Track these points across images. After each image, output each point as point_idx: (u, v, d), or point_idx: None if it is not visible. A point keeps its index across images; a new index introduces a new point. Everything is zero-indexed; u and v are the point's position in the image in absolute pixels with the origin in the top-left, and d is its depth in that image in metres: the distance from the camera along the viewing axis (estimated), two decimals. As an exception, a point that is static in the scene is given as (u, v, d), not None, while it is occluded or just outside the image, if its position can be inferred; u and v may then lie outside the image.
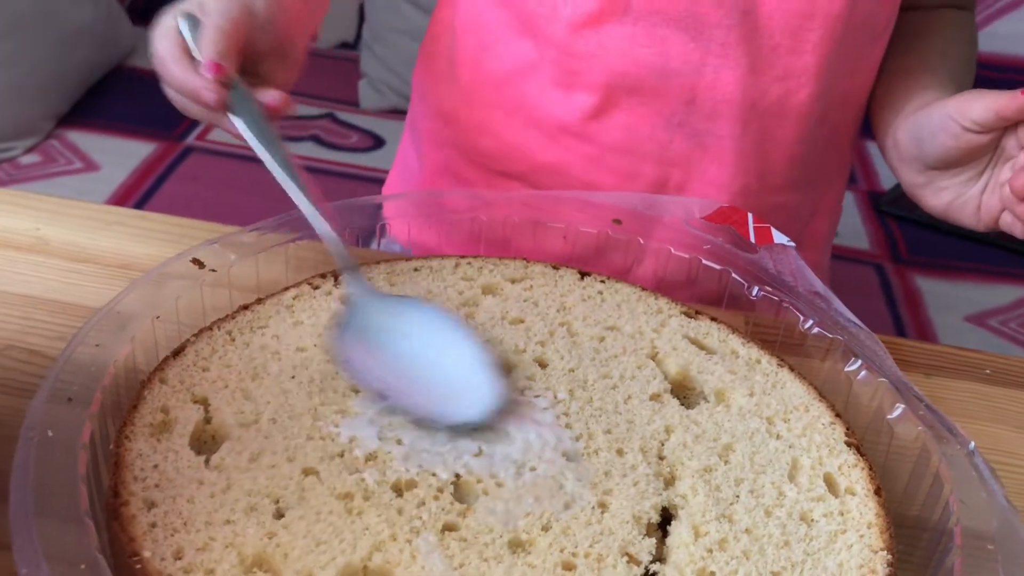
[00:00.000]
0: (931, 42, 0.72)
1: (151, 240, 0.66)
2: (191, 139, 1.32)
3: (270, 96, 0.56)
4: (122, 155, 1.25)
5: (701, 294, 0.59)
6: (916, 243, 1.18)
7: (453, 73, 0.75)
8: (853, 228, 1.24)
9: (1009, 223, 0.58)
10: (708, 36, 0.65)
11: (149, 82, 1.55)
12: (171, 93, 0.58)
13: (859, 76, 0.71)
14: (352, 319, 0.50)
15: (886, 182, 1.35)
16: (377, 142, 1.34)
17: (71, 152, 1.26)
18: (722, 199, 0.70)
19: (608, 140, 0.69)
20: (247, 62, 0.58)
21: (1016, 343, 1.06)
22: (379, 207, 0.60)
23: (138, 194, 1.19)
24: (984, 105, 0.57)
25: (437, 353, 0.49)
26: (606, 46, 0.67)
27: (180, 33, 0.56)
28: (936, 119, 0.60)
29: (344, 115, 1.43)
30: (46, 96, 1.29)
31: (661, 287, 0.59)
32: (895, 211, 1.28)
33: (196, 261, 0.53)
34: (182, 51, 0.56)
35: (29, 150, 1.25)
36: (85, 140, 1.29)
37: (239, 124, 0.55)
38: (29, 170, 1.21)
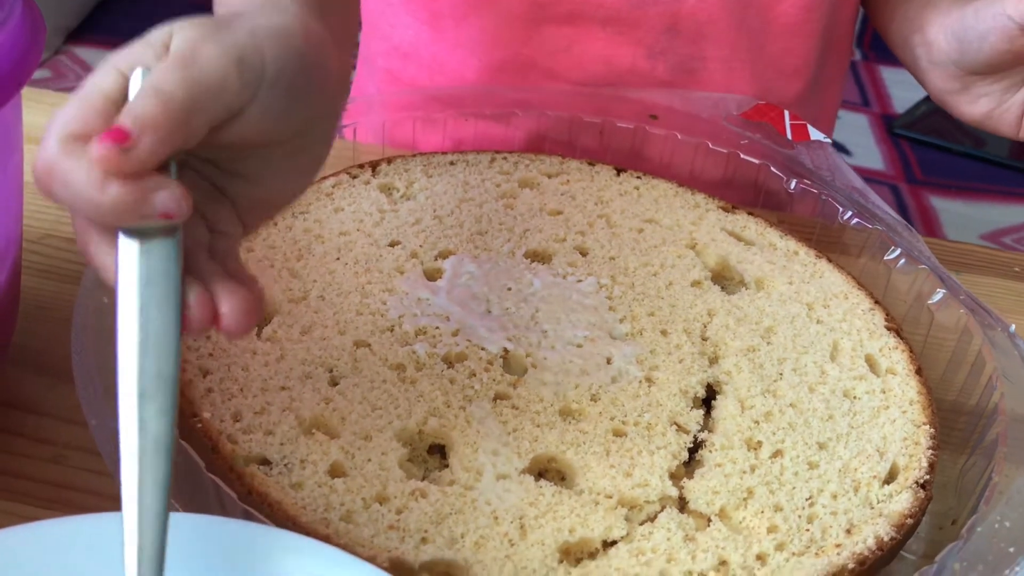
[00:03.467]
0: None
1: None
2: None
3: (224, 301, 0.31)
4: (133, 71, 1.24)
5: (738, 189, 0.59)
6: (930, 164, 1.18)
7: (411, 9, 0.69)
8: (867, 150, 1.23)
9: None
10: None
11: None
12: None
13: None
14: None
15: (899, 106, 1.34)
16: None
17: (81, 68, 1.24)
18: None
19: (584, 76, 0.65)
20: (224, 138, 0.32)
21: (1031, 262, 1.07)
22: (415, 97, 0.60)
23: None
24: None
25: None
26: None
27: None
28: (986, 18, 0.55)
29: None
30: (54, 10, 1.28)
31: (698, 183, 0.59)
32: (909, 134, 1.28)
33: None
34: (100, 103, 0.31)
35: (40, 65, 1.24)
36: (96, 57, 1.28)
37: (121, 251, 0.30)
38: (40, 84, 1.20)
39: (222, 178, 0.34)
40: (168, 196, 0.30)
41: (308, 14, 0.37)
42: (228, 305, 0.31)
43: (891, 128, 1.28)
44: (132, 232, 0.30)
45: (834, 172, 0.57)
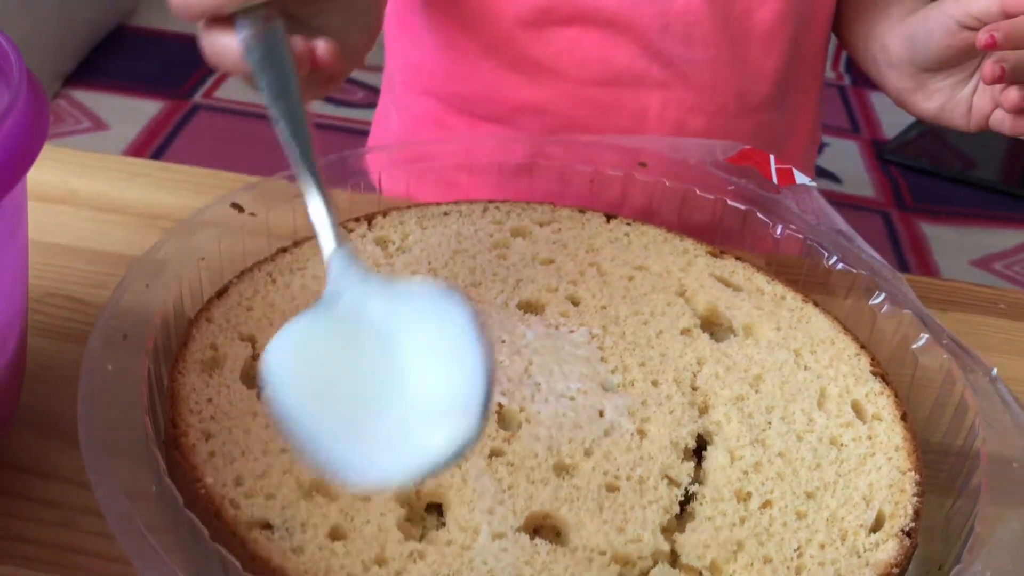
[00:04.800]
0: None
1: (178, 190, 0.67)
2: (198, 96, 1.32)
3: (319, 46, 0.44)
4: (130, 113, 1.26)
5: (725, 235, 0.60)
6: (920, 190, 1.20)
7: (424, 22, 0.75)
8: (858, 177, 1.25)
9: (999, 120, 0.61)
10: None
11: (152, 40, 1.56)
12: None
13: None
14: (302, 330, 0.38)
15: (889, 131, 1.36)
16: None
17: (79, 112, 1.26)
18: (700, 121, 0.73)
19: (586, 74, 0.71)
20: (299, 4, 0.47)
21: (1022, 284, 1.08)
22: (409, 151, 0.61)
23: (148, 153, 1.19)
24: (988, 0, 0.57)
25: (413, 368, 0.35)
26: None
27: None
28: (932, 19, 0.62)
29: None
30: (52, 55, 1.29)
31: (686, 228, 0.60)
32: (899, 159, 1.29)
33: (236, 206, 0.55)
34: None
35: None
36: (93, 99, 1.29)
37: (242, 33, 0.43)
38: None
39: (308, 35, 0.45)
40: None
41: None
42: (323, 46, 0.44)
43: (881, 154, 1.30)
44: (247, 20, 0.43)
45: (819, 216, 0.58)
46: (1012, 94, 0.58)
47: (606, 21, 0.69)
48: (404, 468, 0.33)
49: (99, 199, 0.65)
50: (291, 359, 0.36)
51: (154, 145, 1.20)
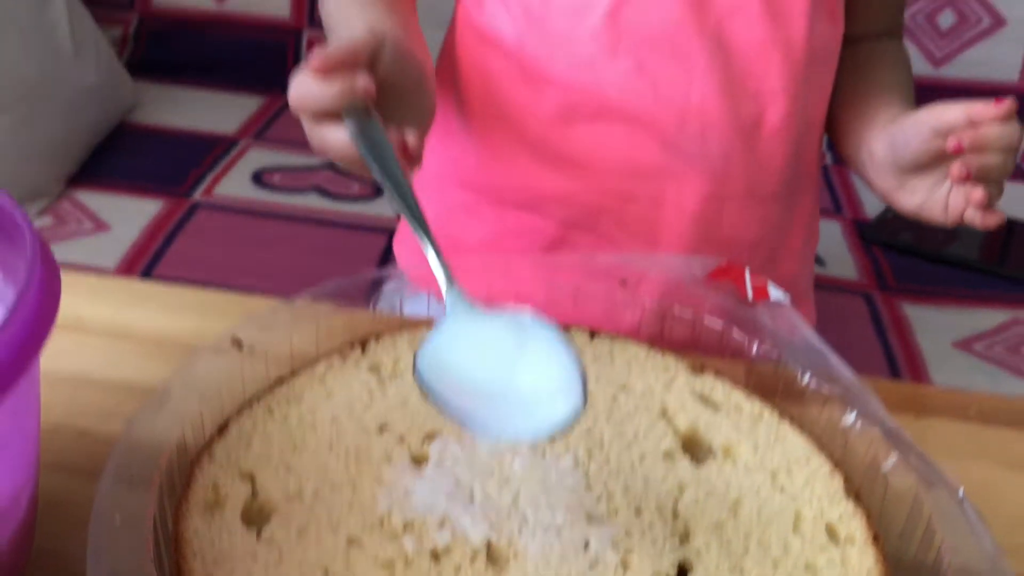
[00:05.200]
0: (882, 68, 0.84)
1: (183, 313, 0.70)
2: (197, 195, 1.36)
3: (409, 138, 0.56)
4: (131, 214, 1.29)
5: (705, 349, 0.63)
6: (902, 270, 1.23)
7: (462, 122, 0.82)
8: (840, 258, 1.28)
9: (971, 216, 0.68)
10: (691, 63, 0.74)
11: (152, 137, 1.60)
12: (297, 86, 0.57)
13: (820, 95, 0.81)
14: (438, 342, 0.50)
15: (871, 211, 1.40)
16: (378, 189, 1.38)
17: (81, 213, 1.29)
18: (712, 211, 0.79)
19: (609, 166, 0.77)
20: (381, 101, 0.58)
21: (1003, 367, 1.10)
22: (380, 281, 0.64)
23: (149, 253, 1.22)
24: (958, 110, 0.66)
25: (516, 369, 0.49)
26: (602, 80, 0.75)
27: None
28: (910, 127, 0.69)
29: (344, 163, 1.47)
30: (56, 158, 1.33)
31: (667, 343, 0.63)
32: (880, 236, 1.33)
33: (236, 341, 0.57)
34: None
35: (42, 212, 1.29)
36: (94, 200, 1.33)
37: (349, 126, 0.56)
38: (42, 234, 1.25)
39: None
40: (364, 79, 0.55)
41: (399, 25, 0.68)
42: (411, 136, 0.56)
43: (862, 233, 1.33)
44: (350, 112, 0.56)
45: (793, 332, 0.61)
46: (977, 193, 0.66)
47: (628, 118, 0.75)
48: (532, 430, 0.46)
49: (107, 326, 0.68)
50: (436, 359, 0.49)
51: (154, 246, 1.23)
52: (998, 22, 1.58)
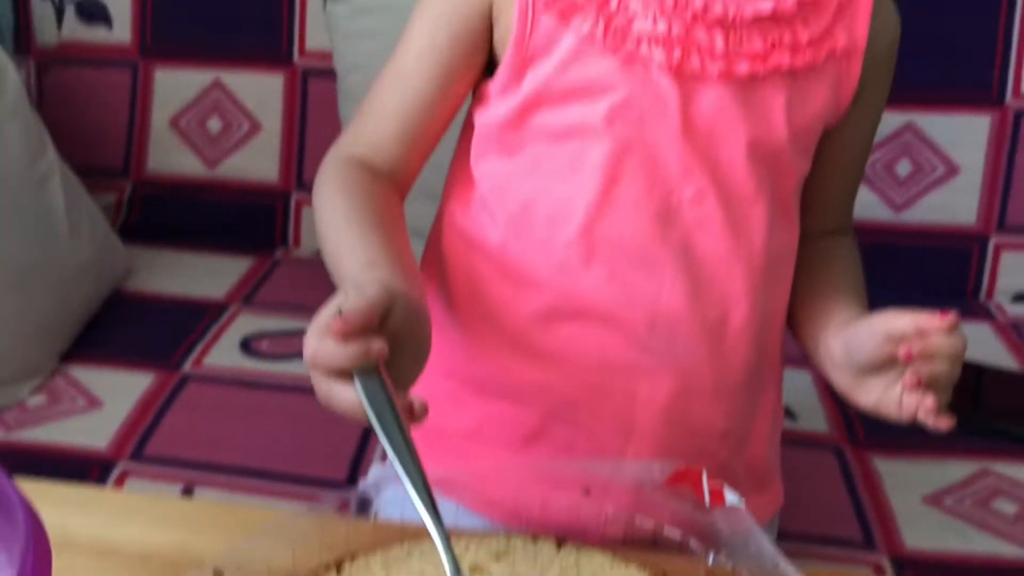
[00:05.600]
0: (836, 266, 0.90)
1: (170, 527, 0.73)
2: (187, 365, 1.40)
3: (415, 404, 0.61)
4: (123, 388, 1.32)
5: (666, 554, 0.66)
6: (872, 423, 1.26)
7: (449, 317, 0.87)
8: (812, 411, 1.32)
9: (923, 418, 0.72)
10: (660, 272, 0.80)
11: (144, 306, 1.65)
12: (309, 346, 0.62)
13: (780, 293, 0.87)
14: None
15: (841, 358, 1.43)
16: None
17: (75, 390, 1.33)
18: (682, 405, 0.83)
19: (585, 362, 0.82)
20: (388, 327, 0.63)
21: (973, 524, 1.13)
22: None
23: (140, 430, 1.26)
24: (908, 320, 0.71)
25: None
26: (579, 284, 0.81)
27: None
28: (864, 331, 0.74)
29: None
30: (51, 336, 1.37)
31: (631, 550, 0.66)
32: (851, 389, 1.36)
33: (217, 573, 0.60)
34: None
35: (36, 390, 1.32)
36: (87, 375, 1.36)
37: (359, 387, 0.60)
38: (36, 412, 1.28)
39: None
40: (379, 343, 0.61)
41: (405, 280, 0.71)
42: (417, 402, 0.62)
43: (833, 389, 1.37)
44: (360, 373, 0.60)
45: (748, 538, 0.65)
46: (928, 401, 0.70)
47: (602, 319, 0.81)
48: None
49: (95, 542, 0.71)
50: None
51: (145, 422, 1.27)
52: (952, 170, 1.66)
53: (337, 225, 0.79)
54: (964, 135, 1.65)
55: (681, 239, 0.79)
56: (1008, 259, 1.66)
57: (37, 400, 1.29)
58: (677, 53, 0.75)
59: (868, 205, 1.67)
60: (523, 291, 0.82)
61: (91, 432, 1.23)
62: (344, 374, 0.61)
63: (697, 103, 0.77)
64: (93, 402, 1.29)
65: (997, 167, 1.64)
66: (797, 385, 1.30)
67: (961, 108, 1.65)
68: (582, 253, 0.80)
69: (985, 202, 1.66)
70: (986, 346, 1.54)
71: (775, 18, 0.76)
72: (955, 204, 1.66)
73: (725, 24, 0.76)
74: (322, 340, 0.61)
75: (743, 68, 0.76)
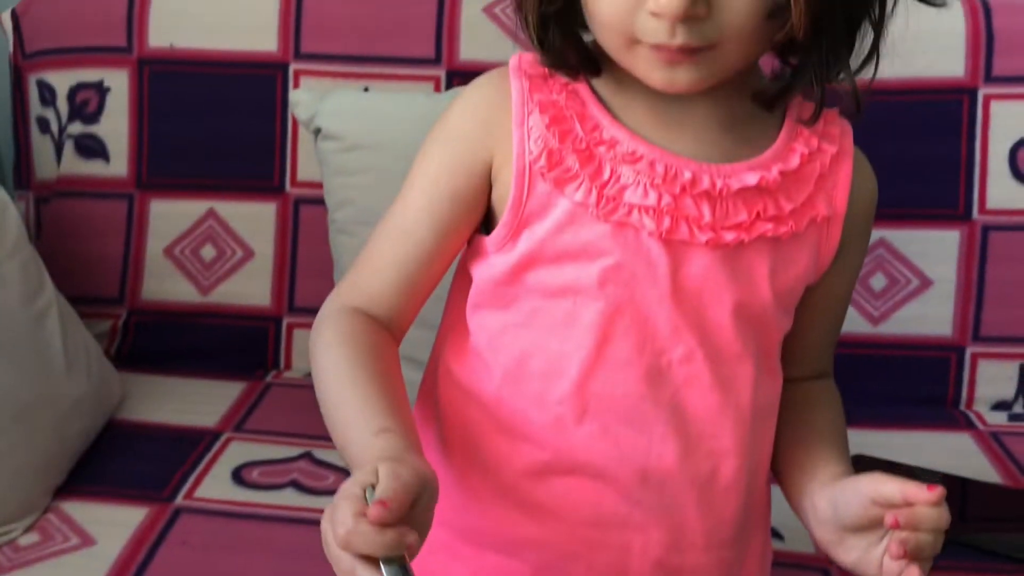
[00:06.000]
0: (818, 412, 0.93)
1: None
2: (180, 498, 1.41)
3: None
4: (116, 524, 1.33)
5: None
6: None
7: (445, 471, 0.88)
8: (798, 532, 1.33)
9: None
10: (651, 428, 0.83)
11: (137, 436, 1.67)
12: (328, 535, 0.64)
13: (765, 443, 0.90)
14: None
15: (826, 475, 1.45)
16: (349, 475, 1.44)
17: (68, 527, 1.33)
18: (674, 558, 0.86)
19: (578, 517, 0.84)
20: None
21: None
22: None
23: (133, 568, 1.26)
24: (895, 486, 0.74)
25: None
26: (572, 439, 0.83)
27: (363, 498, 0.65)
28: (850, 491, 0.78)
29: (321, 452, 1.53)
30: (47, 473, 1.39)
31: None
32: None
33: None
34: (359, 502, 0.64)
35: (28, 529, 1.33)
36: (80, 511, 1.37)
37: (385, 572, 0.62)
38: (28, 552, 1.29)
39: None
40: (413, 536, 0.64)
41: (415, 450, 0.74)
42: None
43: (818, 503, 1.38)
44: (387, 561, 0.62)
45: None
46: (912, 571, 0.72)
47: (595, 475, 0.83)
48: None
49: None
50: None
51: (138, 559, 1.28)
52: (925, 283, 1.71)
53: (340, 380, 0.80)
54: (935, 249, 1.70)
55: (671, 397, 0.82)
56: (985, 368, 1.70)
57: (30, 539, 1.30)
58: (666, 222, 0.79)
59: (846, 318, 1.72)
60: (518, 445, 0.84)
61: (84, 572, 1.24)
62: (371, 557, 0.62)
63: (686, 268, 0.81)
64: (86, 540, 1.29)
65: (969, 279, 1.70)
66: (784, 507, 1.32)
67: (931, 224, 1.71)
68: (575, 409, 0.82)
69: (960, 313, 1.70)
70: (968, 456, 1.57)
71: (759, 189, 0.81)
72: (930, 315, 1.71)
73: (712, 196, 0.80)
74: (358, 523, 0.62)
75: (729, 237, 0.80)
